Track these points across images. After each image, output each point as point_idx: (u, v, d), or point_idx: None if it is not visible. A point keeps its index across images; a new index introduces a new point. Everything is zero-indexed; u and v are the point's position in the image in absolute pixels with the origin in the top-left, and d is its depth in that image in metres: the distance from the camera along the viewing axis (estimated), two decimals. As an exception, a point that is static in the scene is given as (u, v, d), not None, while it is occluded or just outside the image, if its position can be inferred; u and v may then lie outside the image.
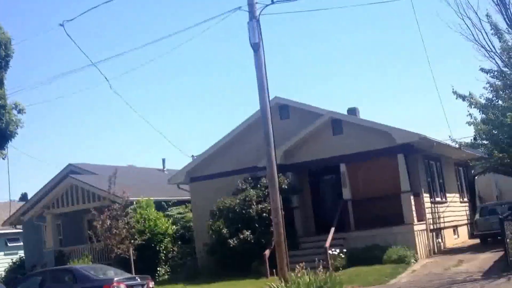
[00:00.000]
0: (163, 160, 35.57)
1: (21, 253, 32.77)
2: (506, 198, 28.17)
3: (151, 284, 15.70)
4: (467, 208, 28.77)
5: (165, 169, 35.23)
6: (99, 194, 25.88)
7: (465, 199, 28.99)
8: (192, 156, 28.58)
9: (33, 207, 28.31)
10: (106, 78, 22.87)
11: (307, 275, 14.13)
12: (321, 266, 14.62)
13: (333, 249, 19.26)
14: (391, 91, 71.47)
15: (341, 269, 18.47)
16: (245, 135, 23.52)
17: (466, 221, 27.94)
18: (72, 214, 28.31)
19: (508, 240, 15.96)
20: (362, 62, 70.77)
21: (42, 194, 28.76)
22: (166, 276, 24.06)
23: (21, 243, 33.35)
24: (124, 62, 69.84)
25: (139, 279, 15.63)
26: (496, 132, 24.05)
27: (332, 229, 19.78)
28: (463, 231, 27.19)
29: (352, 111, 24.15)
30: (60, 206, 27.40)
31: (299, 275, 14.18)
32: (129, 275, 16.34)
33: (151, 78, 69.71)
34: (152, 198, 25.66)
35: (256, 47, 15.23)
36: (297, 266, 14.68)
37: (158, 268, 24.29)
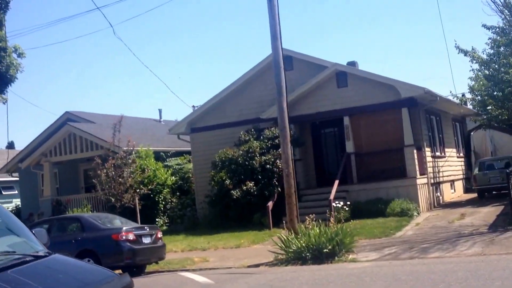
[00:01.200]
0: (160, 111, 35.51)
1: (16, 201, 32.67)
2: (500, 154, 28.47)
3: (160, 234, 15.54)
4: (463, 163, 29.06)
5: (161, 119, 34.95)
6: (96, 143, 25.70)
7: (461, 154, 29.25)
8: (193, 106, 28.38)
9: (30, 155, 28.00)
10: (110, 23, 22.38)
11: (316, 226, 14.18)
12: (319, 219, 14.65)
13: (336, 202, 19.38)
14: (389, 47, 70.92)
15: (344, 221, 18.58)
16: (248, 86, 23.30)
17: (462, 176, 28.26)
18: (68, 163, 28.13)
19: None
20: (359, 17, 69.89)
21: (39, 142, 28.41)
22: (165, 227, 24.11)
23: (16, 192, 33.20)
24: (129, 8, 67.98)
25: (148, 229, 15.48)
26: (495, 88, 24.08)
27: (336, 182, 19.85)
28: (459, 185, 27.53)
29: (352, 64, 23.93)
30: (57, 154, 27.15)
31: (309, 226, 14.23)
32: (137, 225, 16.26)
33: (154, 27, 68.37)
34: (151, 149, 25.47)
35: (269, -5, 14.85)
36: (306, 217, 14.75)
37: (156, 219, 24.34)
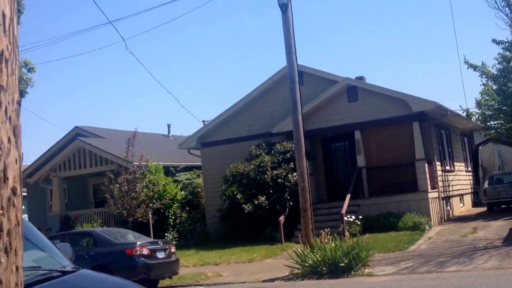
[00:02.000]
0: (168, 126, 35.37)
1: (24, 216, 32.59)
2: (508, 168, 28.46)
3: (173, 249, 15.52)
4: (471, 177, 29.05)
5: (170, 134, 35.03)
6: (107, 158, 25.77)
7: (469, 169, 29.25)
8: (203, 121, 28.41)
9: (38, 170, 28.05)
10: (122, 37, 22.55)
11: (332, 241, 14.18)
12: (332, 233, 14.67)
13: (348, 216, 19.36)
14: (398, 61, 71.08)
15: (359, 235, 18.58)
16: (258, 101, 23.39)
17: (470, 190, 28.24)
18: (77, 178, 28.16)
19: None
20: (367, 31, 70.25)
21: (48, 156, 28.49)
22: (175, 242, 24.03)
23: (24, 207, 33.16)
24: (142, 23, 68.10)
25: (161, 244, 15.48)
26: (505, 102, 24.19)
27: (348, 196, 19.84)
28: (468, 199, 27.49)
29: (360, 79, 23.99)
30: (67, 169, 27.20)
31: (325, 240, 14.22)
32: (151, 240, 16.24)
33: (165, 42, 68.58)
34: (161, 163, 25.52)
35: (284, 8, 15.01)
36: (321, 231, 14.75)
37: (166, 234, 24.29)
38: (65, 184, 28.59)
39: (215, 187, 23.03)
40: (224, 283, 14.35)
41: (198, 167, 26.31)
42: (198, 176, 26.98)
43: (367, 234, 18.62)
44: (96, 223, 24.53)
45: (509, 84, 23.74)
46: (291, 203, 20.43)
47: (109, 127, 32.61)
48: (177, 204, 25.17)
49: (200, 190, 25.97)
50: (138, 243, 14.76)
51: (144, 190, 19.31)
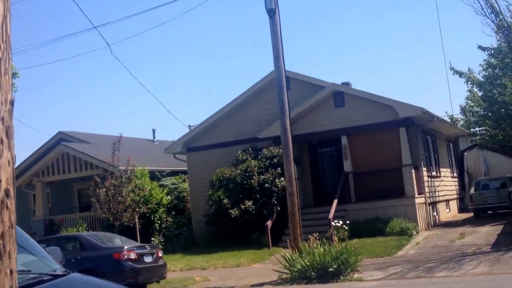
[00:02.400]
0: (153, 131, 35.20)
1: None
2: (493, 174, 28.66)
3: (160, 253, 15.37)
4: (456, 183, 29.22)
5: (155, 139, 34.83)
6: (91, 162, 25.56)
7: (455, 174, 29.42)
8: (189, 126, 28.27)
9: (21, 175, 27.69)
10: (107, 42, 22.22)
11: (320, 245, 14.11)
12: (319, 238, 14.57)
13: (335, 221, 19.32)
14: (382, 67, 71.41)
15: (347, 240, 18.54)
16: (245, 106, 23.32)
17: (456, 196, 28.39)
18: (60, 183, 27.90)
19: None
20: (353, 37, 70.57)
21: (31, 161, 28.18)
22: (161, 246, 23.84)
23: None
24: (127, 28, 67.52)
25: (149, 248, 15.33)
26: (491, 108, 24.40)
27: (335, 201, 19.81)
28: (454, 205, 27.64)
29: (346, 85, 24.00)
30: (50, 174, 26.92)
31: (313, 245, 14.15)
32: (138, 244, 16.08)
33: (150, 47, 68.18)
34: (146, 168, 25.33)
35: (272, 13, 14.97)
36: (310, 236, 14.67)
37: (152, 238, 24.09)
38: (48, 189, 28.30)
39: (201, 192, 22.90)
40: (212, 288, 14.22)
41: (184, 172, 26.17)
42: (184, 180, 26.84)
43: (355, 239, 18.47)
44: (81, 228, 24.27)
45: (495, 91, 23.96)
46: (278, 208, 20.37)
47: (94, 132, 32.32)
48: (163, 209, 25.00)
49: (186, 194, 25.84)
50: (126, 247, 14.57)
51: (131, 194, 19.12)
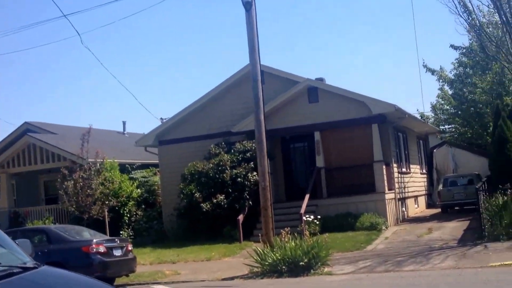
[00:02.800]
0: (124, 123, 34.76)
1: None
2: (461, 171, 29.12)
3: (130, 246, 15.24)
4: (425, 179, 29.63)
5: (125, 132, 34.45)
6: (59, 154, 25.20)
7: (424, 171, 29.82)
8: (161, 119, 28.04)
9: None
10: (77, 32, 21.97)
11: (292, 240, 14.16)
12: (291, 232, 14.62)
13: (307, 216, 19.41)
14: (356, 64, 71.90)
15: (318, 234, 18.63)
16: (219, 100, 23.22)
17: (424, 192, 28.79)
18: (27, 174, 27.46)
19: (482, 210, 16.43)
20: (327, 33, 70.88)
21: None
22: (130, 240, 23.63)
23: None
24: (99, 18, 66.34)
25: (118, 241, 15.17)
26: (461, 107, 24.79)
27: (307, 196, 19.89)
28: (422, 201, 28.03)
29: (320, 81, 24.10)
30: (16, 165, 26.48)
31: (285, 239, 14.19)
32: (107, 237, 15.89)
33: (122, 38, 67.28)
34: (116, 161, 25.05)
35: (248, 6, 14.91)
36: (281, 231, 14.70)
37: (121, 232, 23.86)
38: (13, 181, 27.86)
39: (172, 185, 22.73)
40: (183, 281, 14.15)
41: (155, 165, 25.96)
42: (155, 174, 26.63)
43: (326, 234, 18.61)
44: (48, 220, 23.91)
45: (465, 90, 24.36)
46: (250, 202, 20.37)
47: (62, 123, 31.80)
48: (133, 202, 24.78)
49: (156, 188, 25.64)
50: (94, 240, 14.40)
51: (100, 187, 18.88)
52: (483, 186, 19.54)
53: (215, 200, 20.28)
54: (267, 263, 13.69)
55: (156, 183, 25.82)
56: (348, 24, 71.25)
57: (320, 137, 21.61)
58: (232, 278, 13.85)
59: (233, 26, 73.83)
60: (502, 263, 12.05)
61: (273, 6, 69.37)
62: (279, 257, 13.58)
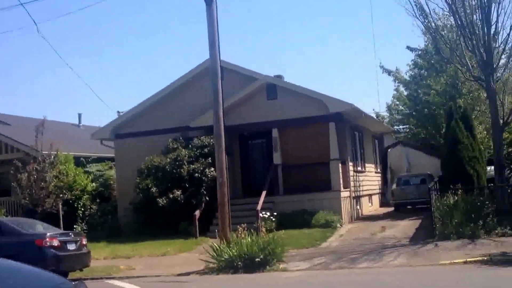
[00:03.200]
0: (79, 115, 34.21)
1: None
2: (415, 171, 29.78)
3: (84, 240, 15.03)
4: (379, 178, 30.17)
5: (81, 124, 33.89)
6: (12, 145, 24.65)
7: (379, 170, 30.36)
8: (118, 112, 27.68)
9: None
10: (34, 21, 21.49)
11: (248, 236, 14.25)
12: (248, 229, 14.69)
13: (263, 212, 19.52)
14: (315, 62, 72.46)
15: (274, 231, 18.76)
16: (177, 94, 23.11)
17: (378, 191, 29.32)
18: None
19: (433, 209, 16.87)
20: (285, 30, 71.14)
21: None
22: (84, 234, 23.29)
23: None
24: (56, 7, 64.70)
25: (72, 235, 14.96)
26: (416, 107, 25.37)
27: (264, 193, 20.02)
28: (376, 199, 28.54)
29: (278, 78, 24.22)
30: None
31: (242, 235, 14.26)
32: (61, 231, 15.67)
33: (79, 29, 65.83)
34: (71, 153, 24.66)
35: (209, 0, 14.86)
36: (238, 227, 14.77)
37: (75, 226, 23.50)
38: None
39: (128, 179, 22.49)
40: (138, 276, 14.05)
41: (111, 159, 25.66)
42: (111, 168, 26.32)
43: (282, 230, 18.75)
44: (0, 213, 23.30)
45: (420, 91, 24.92)
46: (207, 198, 20.37)
47: (15, 114, 31.06)
48: (88, 196, 24.47)
49: (112, 182, 25.36)
50: (48, 234, 14.15)
51: (54, 180, 18.55)
52: (435, 185, 20.05)
53: (171, 195, 20.19)
54: (223, 259, 13.74)
55: (111, 177, 25.54)
56: (309, 22, 71.84)
57: (278, 134, 21.76)
58: (187, 274, 13.85)
59: (195, 19, 73.41)
60: (451, 261, 12.41)
61: (236, 1, 69.33)
62: (235, 253, 13.65)
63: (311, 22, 71.98)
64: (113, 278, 14.15)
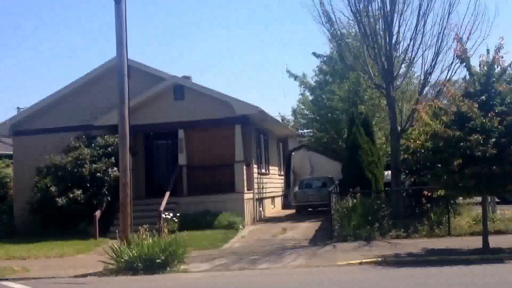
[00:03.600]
0: (-26, 109, 32.35)
1: None
2: (317, 174, 30.67)
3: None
4: (283, 181, 30.80)
5: (-25, 119, 32.09)
6: None
7: (282, 173, 30.99)
8: (18, 108, 26.53)
9: None
10: None
11: (149, 237, 14.13)
12: (150, 230, 14.60)
13: (166, 213, 19.37)
14: (222, 63, 72.61)
15: (173, 232, 18.67)
16: (81, 92, 22.49)
17: (281, 193, 29.93)
18: None
19: (333, 211, 17.43)
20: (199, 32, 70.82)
21: None
22: (-25, 234, 22.19)
23: None
24: None
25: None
26: (320, 112, 26.12)
27: (167, 194, 19.90)
28: (278, 202, 29.11)
29: (186, 78, 24.17)
30: None
31: (143, 236, 14.12)
32: None
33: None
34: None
35: (117, -2, 14.62)
36: (140, 227, 14.60)
37: (-37, 225, 22.31)
38: None
39: (27, 178, 21.62)
40: (33, 278, 13.53)
41: (9, 156, 24.56)
42: (8, 166, 25.22)
43: (184, 232, 18.72)
44: None
45: (324, 96, 25.66)
46: (109, 198, 19.99)
47: None
48: (-20, 194, 23.31)
49: (9, 180, 24.31)
50: None
51: None
52: (336, 189, 20.75)
53: (71, 195, 19.61)
54: (123, 260, 13.55)
55: (8, 175, 24.47)
56: (217, 25, 72.04)
57: (184, 135, 21.72)
58: (85, 275, 13.52)
59: (102, 16, 71.62)
60: (348, 262, 12.93)
61: (148, 2, 68.31)
62: (135, 254, 13.50)
63: (224, 29, 72.33)
64: (7, 279, 13.56)
